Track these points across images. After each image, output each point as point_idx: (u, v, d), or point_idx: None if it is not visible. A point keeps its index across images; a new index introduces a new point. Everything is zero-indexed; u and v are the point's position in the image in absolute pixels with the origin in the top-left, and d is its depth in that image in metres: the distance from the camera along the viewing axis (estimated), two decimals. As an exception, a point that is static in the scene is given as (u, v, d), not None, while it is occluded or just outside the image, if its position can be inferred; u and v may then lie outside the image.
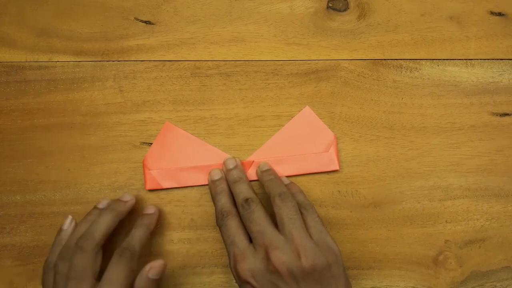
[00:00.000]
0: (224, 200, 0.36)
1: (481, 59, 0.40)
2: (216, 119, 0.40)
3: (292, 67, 0.40)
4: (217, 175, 0.38)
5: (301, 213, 0.34)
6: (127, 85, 0.40)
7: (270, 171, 0.38)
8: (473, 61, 0.40)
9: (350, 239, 0.39)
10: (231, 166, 0.38)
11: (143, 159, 0.39)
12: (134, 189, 0.39)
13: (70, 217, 0.37)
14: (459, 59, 0.40)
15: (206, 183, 0.38)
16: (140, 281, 0.33)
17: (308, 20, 0.41)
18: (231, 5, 0.41)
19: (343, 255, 0.38)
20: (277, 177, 0.37)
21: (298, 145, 0.39)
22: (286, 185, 0.37)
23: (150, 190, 0.39)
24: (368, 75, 0.40)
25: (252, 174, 0.39)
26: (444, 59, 0.40)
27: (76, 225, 0.36)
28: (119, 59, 0.40)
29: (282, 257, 0.31)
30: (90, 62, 0.40)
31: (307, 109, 0.39)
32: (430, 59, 0.40)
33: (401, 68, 0.40)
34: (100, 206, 0.37)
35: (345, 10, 0.41)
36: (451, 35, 0.41)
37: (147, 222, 0.36)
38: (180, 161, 0.39)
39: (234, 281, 0.38)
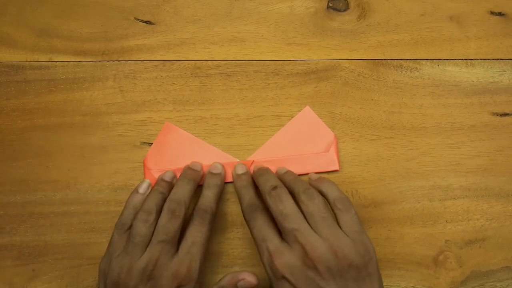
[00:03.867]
0: (251, 194, 0.35)
1: (481, 59, 0.40)
2: (216, 119, 0.40)
3: (292, 67, 0.40)
4: (242, 169, 0.38)
5: (337, 208, 0.33)
6: (127, 85, 0.40)
7: (289, 172, 0.37)
8: (473, 61, 0.40)
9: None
10: (257, 167, 0.38)
11: (144, 159, 0.39)
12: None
13: (148, 181, 0.37)
14: (459, 59, 0.40)
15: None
16: (226, 283, 0.34)
17: (308, 20, 0.41)
18: (231, 5, 0.41)
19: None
20: (297, 176, 0.36)
21: (298, 145, 0.39)
22: (315, 181, 0.36)
23: None
24: (368, 75, 0.40)
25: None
26: (444, 59, 0.40)
27: (151, 190, 0.36)
28: (119, 59, 0.40)
29: (320, 255, 0.31)
30: (90, 62, 0.40)
31: (307, 109, 0.39)
32: (430, 59, 0.40)
33: (401, 68, 0.40)
34: (167, 179, 0.37)
35: (345, 10, 0.41)
36: (451, 35, 0.41)
37: (218, 182, 0.37)
38: (180, 161, 0.39)
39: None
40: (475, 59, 0.40)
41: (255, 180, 0.37)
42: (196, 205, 0.35)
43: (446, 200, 0.39)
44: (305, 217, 0.33)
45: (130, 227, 0.34)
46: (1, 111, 0.40)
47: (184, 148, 0.39)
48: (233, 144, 0.39)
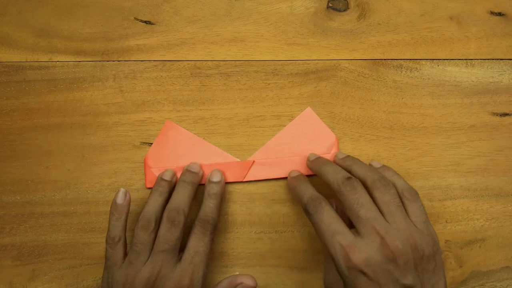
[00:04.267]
0: (310, 188, 0.34)
1: (481, 59, 0.40)
2: (216, 119, 0.40)
3: (292, 67, 0.40)
4: (296, 173, 0.37)
5: (406, 197, 0.33)
6: (127, 85, 0.40)
7: (349, 156, 0.37)
8: (473, 61, 0.40)
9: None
10: (315, 157, 0.37)
11: (144, 157, 0.39)
12: (134, 189, 0.39)
13: (123, 190, 0.36)
14: (459, 59, 0.40)
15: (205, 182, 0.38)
16: (225, 285, 0.35)
17: (308, 20, 0.41)
18: (231, 5, 0.41)
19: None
20: (361, 161, 0.36)
21: (299, 146, 0.39)
22: (380, 168, 0.36)
23: (151, 189, 0.39)
24: (368, 75, 0.40)
25: (255, 174, 0.39)
26: (444, 59, 0.40)
27: (130, 197, 0.36)
28: (119, 59, 0.40)
29: (401, 247, 0.30)
30: (90, 62, 0.40)
31: (308, 110, 0.39)
32: (430, 59, 0.40)
33: (401, 68, 0.40)
34: (167, 178, 0.37)
35: (345, 10, 0.41)
36: (451, 35, 0.41)
37: (218, 191, 0.37)
38: (181, 159, 0.39)
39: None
40: (475, 59, 0.40)
41: (319, 171, 0.35)
42: (198, 215, 0.35)
43: (446, 200, 0.39)
44: (378, 207, 0.32)
45: (120, 239, 0.34)
46: (1, 111, 0.40)
47: (185, 147, 0.39)
48: (233, 144, 0.39)
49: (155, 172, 0.38)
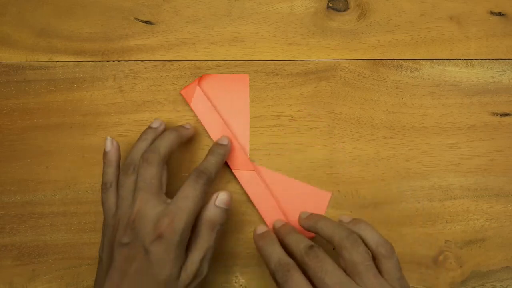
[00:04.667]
0: (279, 250, 0.32)
1: (481, 59, 0.40)
2: (216, 119, 0.40)
3: (292, 67, 0.40)
4: (263, 229, 0.35)
5: (381, 253, 0.31)
6: (127, 85, 0.40)
7: (313, 214, 0.35)
8: (473, 61, 0.40)
9: (350, 239, 0.39)
10: (280, 224, 0.36)
11: (201, 76, 0.39)
12: (134, 189, 0.39)
13: (109, 138, 0.36)
14: (459, 59, 0.40)
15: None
16: (208, 210, 0.33)
17: (308, 20, 0.41)
18: (231, 5, 0.41)
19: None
20: (326, 217, 0.34)
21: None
22: (349, 223, 0.34)
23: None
24: (368, 75, 0.40)
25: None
26: (444, 59, 0.40)
27: (118, 144, 0.36)
28: (119, 59, 0.40)
29: None
30: (90, 62, 0.40)
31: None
32: (430, 59, 0.40)
33: (401, 68, 0.40)
34: (154, 125, 0.37)
35: (345, 10, 0.41)
36: (451, 35, 0.41)
37: (222, 152, 0.36)
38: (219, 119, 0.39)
39: (235, 281, 0.38)
40: (475, 59, 0.40)
41: (282, 241, 0.34)
42: (195, 167, 0.35)
43: (446, 200, 0.39)
44: (346, 267, 0.30)
45: (111, 185, 0.35)
46: (1, 111, 0.40)
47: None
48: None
49: (198, 92, 0.39)
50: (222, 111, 0.39)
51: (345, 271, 0.30)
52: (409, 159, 0.39)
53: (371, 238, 0.32)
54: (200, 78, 0.39)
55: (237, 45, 0.40)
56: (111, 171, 0.35)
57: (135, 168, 0.34)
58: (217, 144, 0.37)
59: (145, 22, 0.41)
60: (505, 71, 0.40)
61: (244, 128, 0.39)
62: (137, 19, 0.41)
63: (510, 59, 0.41)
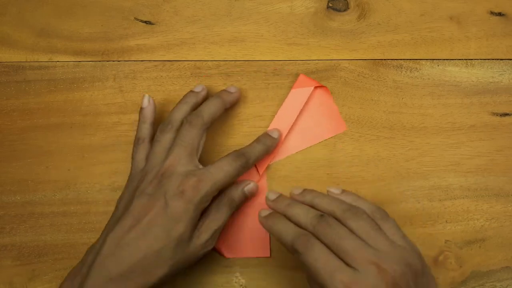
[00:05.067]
0: (290, 225, 0.32)
1: (481, 59, 0.40)
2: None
3: (292, 67, 0.40)
4: (266, 211, 0.35)
5: (377, 218, 0.32)
6: (127, 85, 0.40)
7: (306, 190, 0.35)
8: (473, 61, 0.40)
9: (350, 239, 0.39)
10: (274, 196, 0.36)
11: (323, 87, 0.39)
12: (134, 189, 0.39)
13: (147, 95, 0.37)
14: (459, 59, 0.40)
15: None
16: (235, 190, 0.35)
17: (308, 20, 0.41)
18: (231, 5, 0.41)
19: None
20: (318, 192, 0.35)
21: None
22: (341, 196, 0.34)
23: None
24: (368, 75, 0.40)
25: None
26: (444, 59, 0.40)
27: (154, 103, 0.37)
28: (119, 59, 0.40)
29: (397, 269, 0.29)
30: (90, 62, 0.40)
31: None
32: (430, 59, 0.40)
33: (401, 68, 0.40)
34: (197, 90, 0.37)
35: (345, 10, 0.41)
36: (451, 35, 0.41)
37: (269, 143, 0.37)
38: None
39: (235, 281, 0.38)
40: (475, 59, 0.40)
41: (285, 213, 0.34)
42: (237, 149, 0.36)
43: (446, 200, 0.39)
44: (357, 236, 0.30)
45: (144, 140, 0.36)
46: (1, 111, 0.40)
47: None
48: (233, 144, 0.39)
49: (305, 91, 0.39)
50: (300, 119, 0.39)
51: None
52: (409, 159, 0.39)
53: (365, 206, 0.33)
54: (321, 87, 0.39)
55: (237, 45, 0.40)
56: (146, 126, 0.36)
57: (173, 127, 0.35)
58: (267, 135, 0.38)
59: (145, 22, 0.41)
60: (505, 71, 0.40)
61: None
62: (137, 19, 0.41)
63: (510, 59, 0.41)
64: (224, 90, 0.38)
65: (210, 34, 0.40)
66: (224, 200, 0.35)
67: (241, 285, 0.38)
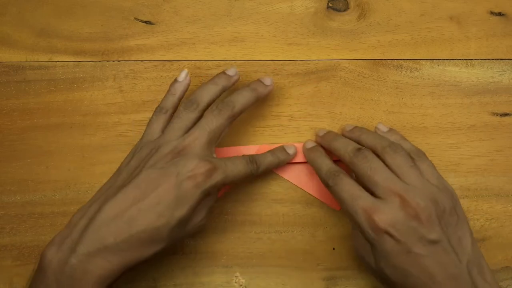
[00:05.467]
0: (327, 161, 0.35)
1: (481, 59, 0.40)
2: (216, 119, 0.40)
3: (292, 67, 0.40)
4: (311, 144, 0.38)
5: (413, 158, 0.33)
6: (127, 85, 0.40)
7: (357, 127, 0.37)
8: (473, 61, 0.40)
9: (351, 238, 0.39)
10: (324, 132, 0.38)
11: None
12: (134, 189, 0.39)
13: (186, 70, 0.37)
14: (459, 59, 0.40)
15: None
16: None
17: (308, 20, 0.41)
18: (231, 5, 0.41)
19: (344, 254, 0.38)
20: (368, 129, 0.37)
21: None
22: (386, 133, 0.37)
23: None
24: (368, 75, 0.40)
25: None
26: (444, 59, 0.40)
27: (190, 81, 0.37)
28: (119, 59, 0.40)
29: (421, 203, 0.30)
30: (90, 62, 0.40)
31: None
32: (430, 59, 0.40)
33: (401, 68, 0.40)
34: (229, 73, 0.36)
35: (345, 10, 0.41)
36: (451, 35, 0.41)
37: (283, 158, 0.37)
38: None
39: (235, 281, 0.38)
40: (475, 59, 0.40)
41: (329, 146, 0.36)
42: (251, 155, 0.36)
43: (446, 200, 0.39)
44: (392, 171, 0.32)
45: (167, 111, 0.35)
46: (1, 111, 0.40)
47: None
48: (233, 144, 0.39)
49: None
50: None
51: None
52: (409, 159, 0.39)
53: (405, 146, 0.35)
54: None
55: (237, 45, 0.40)
56: (172, 99, 0.36)
57: (198, 106, 0.34)
58: (283, 149, 0.38)
59: (145, 22, 0.41)
60: (505, 71, 0.40)
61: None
62: (137, 19, 0.41)
63: (510, 59, 0.41)
64: (260, 82, 0.37)
65: (210, 34, 0.40)
66: None
67: (241, 285, 0.38)
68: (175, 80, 0.36)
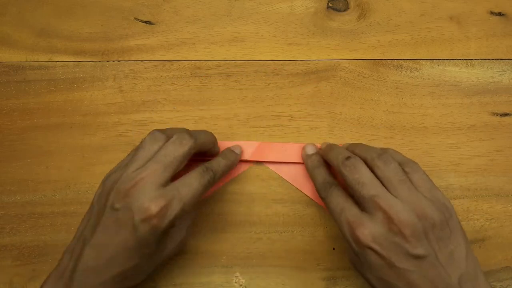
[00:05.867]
0: (324, 172, 0.36)
1: (481, 59, 0.40)
2: (216, 119, 0.40)
3: (292, 67, 0.40)
4: (312, 150, 0.38)
5: (406, 171, 0.33)
6: (127, 85, 0.40)
7: (356, 143, 0.37)
8: (473, 61, 0.40)
9: (350, 239, 0.39)
10: (325, 144, 0.38)
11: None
12: (134, 189, 0.39)
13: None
14: (459, 59, 0.40)
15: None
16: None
17: (308, 20, 0.41)
18: (231, 5, 0.41)
19: (343, 254, 0.38)
20: (366, 145, 0.36)
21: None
22: (380, 148, 0.36)
23: None
24: (368, 75, 0.40)
25: (261, 155, 0.39)
26: (444, 59, 0.40)
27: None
28: (119, 59, 0.40)
29: (405, 218, 0.29)
30: (90, 62, 0.40)
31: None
32: (430, 59, 0.40)
33: (401, 68, 0.40)
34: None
35: (345, 10, 0.41)
36: (451, 35, 0.41)
37: (233, 159, 0.37)
38: None
39: (235, 282, 0.38)
40: (475, 59, 0.40)
41: (325, 157, 0.36)
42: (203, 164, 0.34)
43: (446, 200, 0.39)
44: (381, 183, 0.32)
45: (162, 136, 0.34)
46: (1, 111, 0.40)
47: None
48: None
49: None
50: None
51: None
52: (409, 159, 0.39)
53: (397, 158, 0.34)
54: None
55: (237, 45, 0.40)
56: (191, 143, 0.34)
57: (164, 141, 0.33)
58: (231, 150, 0.38)
59: (145, 22, 0.41)
60: (505, 71, 0.40)
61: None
62: (137, 19, 0.41)
63: (510, 59, 0.41)
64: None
65: (210, 34, 0.40)
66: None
67: (241, 285, 0.38)
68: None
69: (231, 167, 0.37)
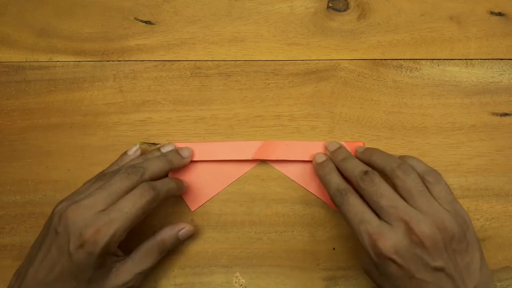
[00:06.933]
0: (337, 178, 0.35)
1: (481, 59, 0.40)
2: (216, 119, 0.40)
3: (292, 67, 0.40)
4: (322, 158, 0.37)
5: (428, 181, 0.33)
6: (127, 85, 0.40)
7: (369, 148, 0.37)
8: (473, 61, 0.40)
9: (352, 238, 0.39)
10: (335, 147, 0.37)
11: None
12: (134, 189, 0.39)
13: (137, 145, 0.37)
14: (459, 59, 0.40)
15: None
16: (167, 236, 0.35)
17: (308, 20, 0.41)
18: (231, 5, 0.41)
19: (344, 254, 0.38)
20: (380, 150, 0.36)
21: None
22: (400, 157, 0.36)
23: None
24: (368, 75, 0.40)
25: (264, 154, 0.39)
26: (444, 59, 0.40)
27: (141, 154, 0.37)
28: (119, 59, 0.40)
29: (426, 230, 0.30)
30: (90, 62, 0.40)
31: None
32: (430, 59, 0.40)
33: (401, 68, 0.40)
34: (163, 150, 0.37)
35: (345, 10, 0.41)
36: (451, 35, 0.41)
37: (180, 185, 0.37)
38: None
39: (235, 281, 0.38)
40: (475, 59, 0.40)
41: (339, 166, 0.36)
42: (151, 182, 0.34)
43: (446, 200, 0.39)
44: (400, 194, 0.32)
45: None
46: (1, 111, 0.40)
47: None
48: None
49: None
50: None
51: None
52: (409, 159, 0.39)
53: (419, 168, 0.34)
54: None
55: (237, 45, 0.40)
56: (114, 168, 0.36)
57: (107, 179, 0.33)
58: (177, 178, 0.37)
59: (145, 22, 0.41)
60: (505, 71, 0.40)
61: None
62: (137, 19, 0.41)
63: (510, 59, 0.41)
64: (177, 153, 0.37)
65: (210, 34, 0.40)
66: (154, 244, 0.35)
67: (241, 285, 0.38)
68: (125, 153, 0.37)
69: (179, 191, 0.37)
